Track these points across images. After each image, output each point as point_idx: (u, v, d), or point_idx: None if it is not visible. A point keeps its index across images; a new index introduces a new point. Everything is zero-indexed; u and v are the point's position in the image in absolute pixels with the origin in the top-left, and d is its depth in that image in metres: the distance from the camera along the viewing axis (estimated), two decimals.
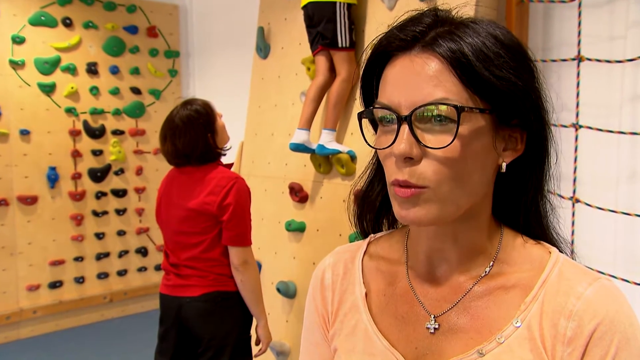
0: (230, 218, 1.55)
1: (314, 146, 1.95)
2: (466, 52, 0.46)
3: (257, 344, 1.69)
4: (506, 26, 1.53)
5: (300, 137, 1.94)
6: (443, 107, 0.46)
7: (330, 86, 1.91)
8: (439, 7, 0.52)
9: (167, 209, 1.66)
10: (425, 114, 0.47)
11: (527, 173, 0.53)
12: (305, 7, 1.92)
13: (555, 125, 0.54)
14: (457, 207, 0.49)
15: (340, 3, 1.82)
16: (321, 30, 1.86)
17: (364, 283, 0.59)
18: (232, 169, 2.03)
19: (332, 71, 1.92)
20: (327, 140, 1.90)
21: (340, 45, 1.84)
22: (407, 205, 0.49)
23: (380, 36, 0.52)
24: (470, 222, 0.53)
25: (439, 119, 0.47)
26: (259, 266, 2.28)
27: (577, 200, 1.49)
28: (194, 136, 1.58)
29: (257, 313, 1.64)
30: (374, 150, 0.54)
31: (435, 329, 0.53)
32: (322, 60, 1.91)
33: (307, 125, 1.94)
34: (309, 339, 0.63)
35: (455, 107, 0.46)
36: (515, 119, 0.50)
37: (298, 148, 1.95)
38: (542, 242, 0.55)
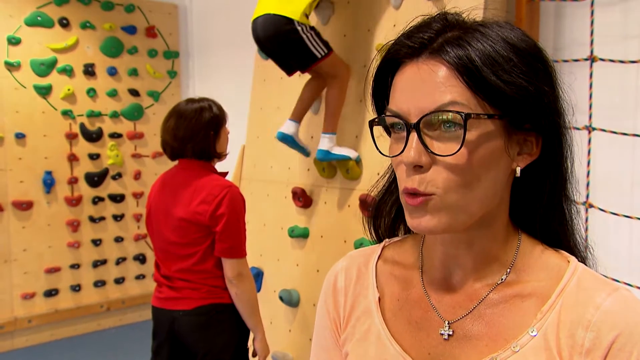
0: (223, 229, 1.48)
1: (303, 143, 1.88)
2: (473, 57, 0.47)
3: (254, 356, 1.64)
4: (516, 26, 1.50)
5: (289, 128, 1.86)
6: (450, 114, 0.46)
7: (325, 86, 1.83)
8: (449, 12, 0.52)
9: (158, 217, 1.59)
10: (433, 120, 0.47)
11: (543, 178, 0.53)
12: (254, 22, 1.74)
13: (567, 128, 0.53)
14: (469, 214, 0.49)
15: (301, 25, 1.67)
16: (290, 60, 1.75)
17: (377, 288, 0.59)
18: (233, 173, 1.97)
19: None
20: (330, 145, 1.82)
21: (319, 57, 1.73)
22: (418, 214, 0.49)
23: (389, 43, 0.52)
24: (486, 229, 0.52)
25: (447, 125, 0.47)
26: (261, 274, 2.23)
27: (591, 205, 1.45)
28: (198, 125, 1.54)
29: (253, 326, 1.59)
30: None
31: (449, 335, 0.53)
32: (312, 72, 1.82)
33: (298, 117, 1.87)
34: (319, 344, 0.63)
35: (461, 114, 0.46)
36: (528, 123, 0.50)
37: (285, 138, 1.87)
38: (561, 250, 0.55)
